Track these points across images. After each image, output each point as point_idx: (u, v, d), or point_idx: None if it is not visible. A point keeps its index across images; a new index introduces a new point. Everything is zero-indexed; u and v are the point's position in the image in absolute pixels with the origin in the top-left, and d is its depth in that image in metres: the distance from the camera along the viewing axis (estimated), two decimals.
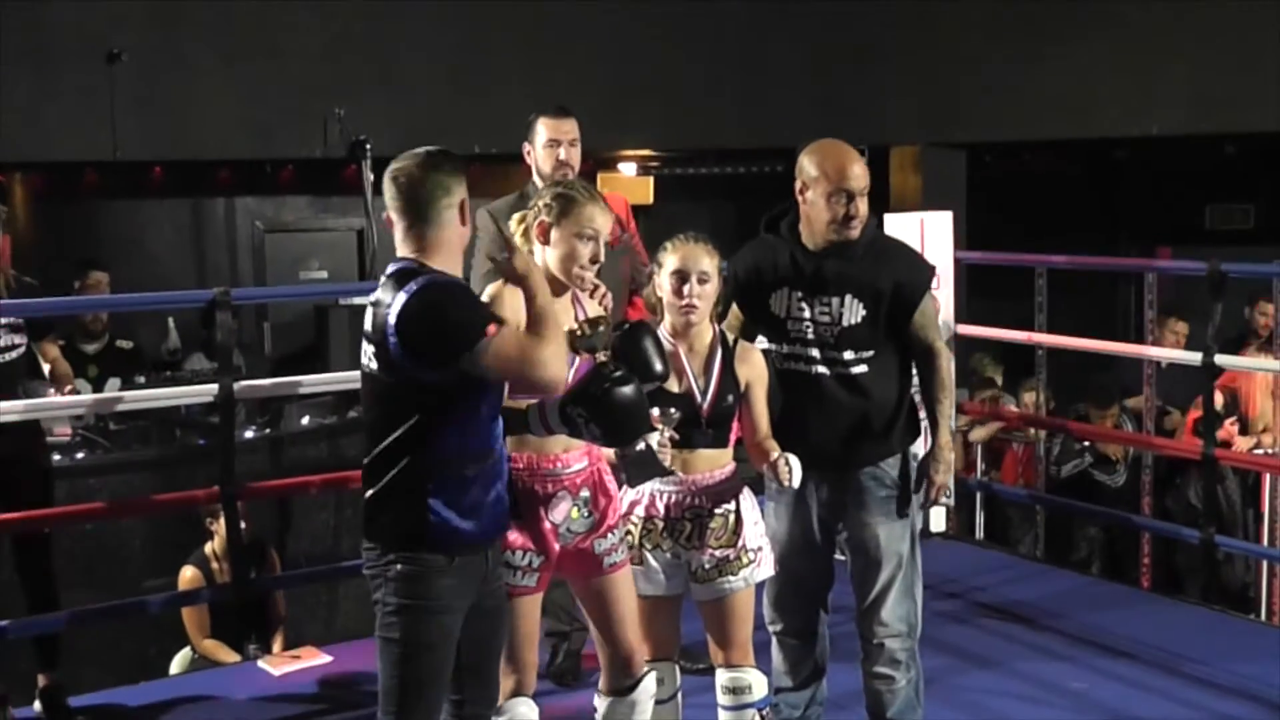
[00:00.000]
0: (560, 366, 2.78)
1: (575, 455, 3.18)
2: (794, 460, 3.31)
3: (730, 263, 3.59)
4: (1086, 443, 7.13)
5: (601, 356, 2.96)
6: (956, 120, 8.82)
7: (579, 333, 2.99)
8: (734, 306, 3.63)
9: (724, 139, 9.44)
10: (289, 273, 9.91)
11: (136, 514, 5.70)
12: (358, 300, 7.98)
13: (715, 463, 3.42)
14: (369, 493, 2.85)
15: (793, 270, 3.51)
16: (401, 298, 2.73)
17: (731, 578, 3.41)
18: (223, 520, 5.17)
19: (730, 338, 3.49)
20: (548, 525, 3.18)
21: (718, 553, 3.40)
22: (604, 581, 3.27)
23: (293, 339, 9.01)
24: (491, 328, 2.70)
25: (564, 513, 3.17)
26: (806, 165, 3.46)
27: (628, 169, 10.57)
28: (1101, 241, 10.13)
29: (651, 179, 10.76)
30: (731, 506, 3.43)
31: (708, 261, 3.39)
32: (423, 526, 2.80)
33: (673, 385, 3.37)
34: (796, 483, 3.31)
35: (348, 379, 5.27)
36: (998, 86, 8.81)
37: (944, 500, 3.79)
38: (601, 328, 2.96)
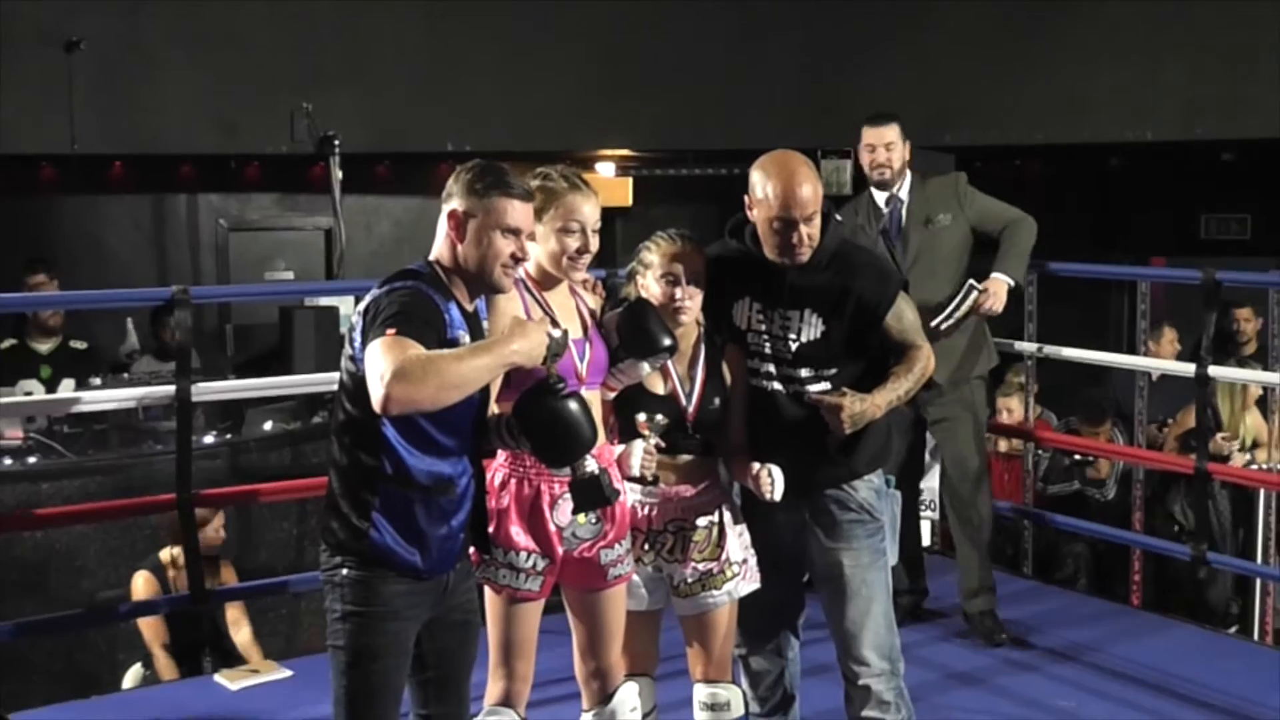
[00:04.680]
0: (407, 391, 2.56)
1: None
2: (776, 472, 3.29)
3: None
4: (1077, 456, 7.16)
5: (552, 367, 2.88)
6: (946, 124, 8.86)
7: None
8: None
9: (707, 139, 9.46)
10: (253, 273, 9.88)
11: (88, 521, 5.67)
12: (324, 301, 7.99)
13: (699, 471, 3.42)
14: (326, 493, 2.88)
15: (753, 280, 3.45)
16: (377, 291, 2.78)
17: (715, 592, 3.41)
18: (209, 525, 5.17)
19: (717, 338, 3.48)
20: (553, 528, 3.16)
21: (700, 566, 3.40)
22: (603, 595, 3.27)
23: (256, 341, 8.98)
24: (392, 330, 2.63)
25: (570, 516, 3.16)
26: (754, 181, 3.36)
27: (605, 170, 10.57)
28: (1094, 251, 10.17)
29: (630, 180, 10.76)
30: (714, 518, 3.43)
31: (699, 262, 3.38)
32: (364, 540, 2.80)
33: (657, 387, 3.38)
34: (778, 496, 3.29)
35: (312, 382, 5.26)
36: (989, 90, 8.86)
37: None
38: (555, 335, 2.88)
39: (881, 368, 3.48)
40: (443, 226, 2.88)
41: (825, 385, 3.41)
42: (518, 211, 2.87)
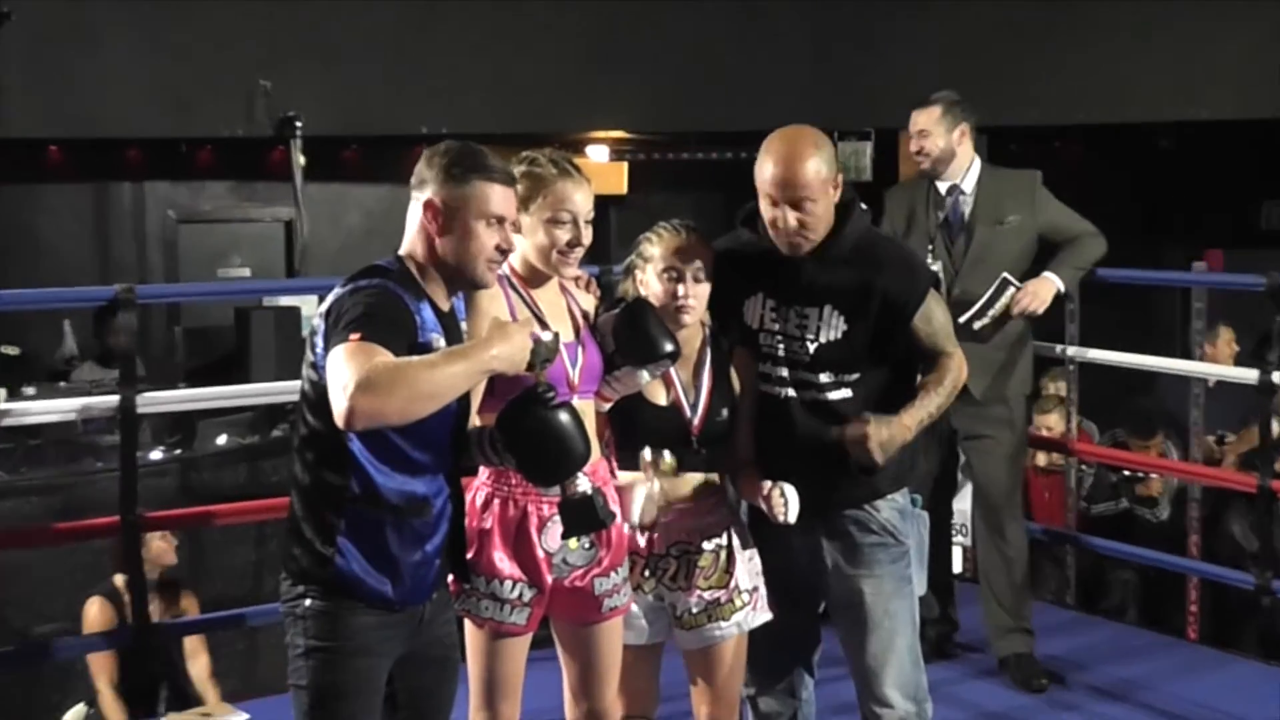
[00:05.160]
0: (373, 404, 2.54)
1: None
2: (790, 491, 3.27)
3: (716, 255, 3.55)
4: (1125, 472, 7.15)
5: (541, 375, 2.85)
6: (977, 102, 8.80)
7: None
8: None
9: (711, 120, 9.44)
10: (206, 269, 9.88)
11: (22, 546, 5.65)
12: (284, 301, 8.00)
13: (705, 489, 3.41)
14: (288, 515, 2.86)
15: (766, 274, 3.45)
16: (342, 289, 2.78)
17: (722, 623, 3.40)
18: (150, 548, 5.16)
19: (724, 340, 3.47)
20: (541, 554, 3.14)
21: (707, 594, 3.39)
22: (597, 629, 3.25)
23: (209, 346, 8.98)
24: (355, 335, 2.61)
25: (560, 540, 3.13)
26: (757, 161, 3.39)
27: (597, 154, 10.58)
28: (1142, 243, 10.17)
29: (625, 165, 10.78)
30: (722, 540, 3.42)
31: (705, 256, 3.37)
32: (329, 568, 2.79)
33: (658, 397, 3.37)
34: (792, 517, 3.27)
35: (271, 392, 5.26)
36: (1023, 64, 8.84)
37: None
38: (545, 340, 2.86)
39: (908, 373, 3.48)
40: (415, 218, 2.87)
41: (846, 393, 3.40)
42: (501, 197, 2.86)
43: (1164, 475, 7.11)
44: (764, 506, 3.30)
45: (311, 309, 8.02)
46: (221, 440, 6.53)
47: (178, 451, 6.44)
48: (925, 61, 8.58)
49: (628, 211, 10.49)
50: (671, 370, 3.35)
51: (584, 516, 2.95)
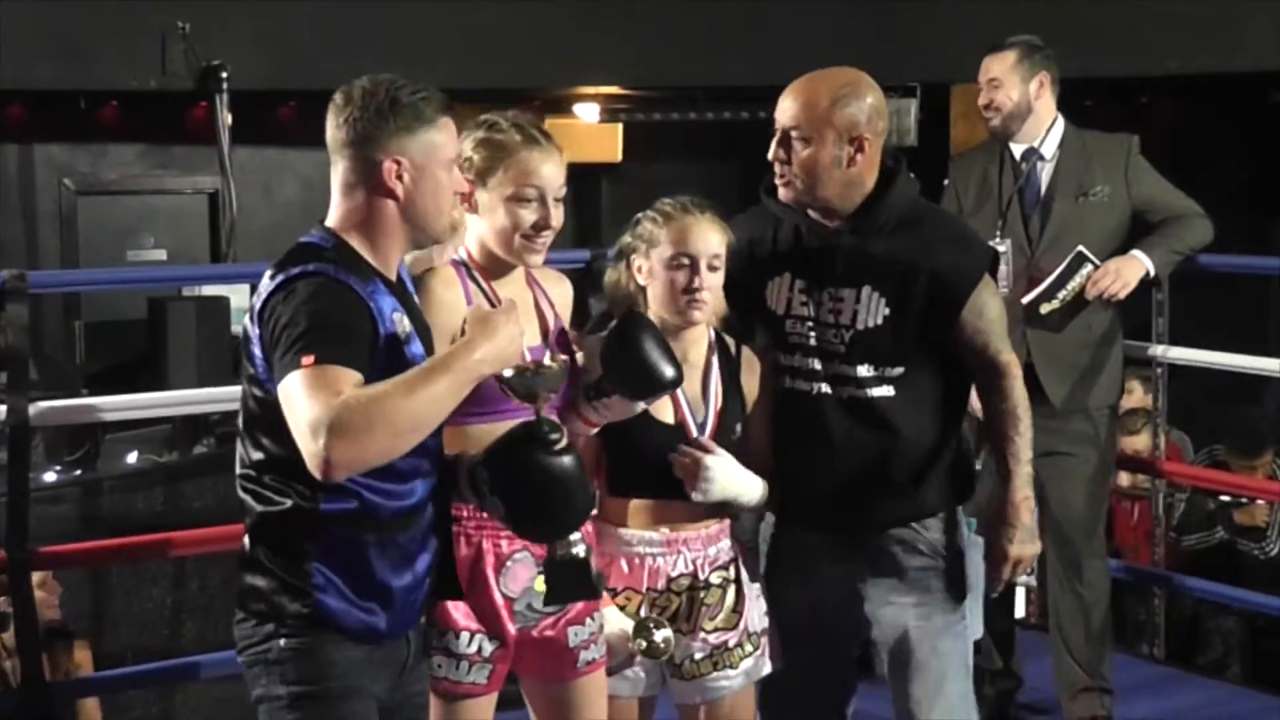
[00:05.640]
0: (351, 451, 2.58)
1: None
2: (718, 464, 3.33)
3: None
4: (1225, 498, 7.16)
5: (543, 408, 2.88)
6: (1044, 49, 8.86)
7: (525, 371, 2.87)
8: None
9: (721, 73, 9.48)
10: (112, 252, 9.89)
11: None
12: (208, 290, 8.02)
13: (714, 513, 3.46)
14: (242, 543, 2.87)
15: (794, 250, 3.51)
16: (277, 282, 2.77)
17: (730, 671, 3.45)
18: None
19: (731, 343, 3.52)
20: (500, 599, 3.17)
21: (712, 637, 3.44)
22: (572, 687, 3.28)
23: (116, 345, 8.99)
24: (308, 358, 2.61)
25: (524, 582, 3.17)
26: None
27: (587, 113, 10.60)
28: (1249, 219, 10.19)
29: (620, 127, 10.79)
30: (730, 573, 3.48)
31: (719, 240, 3.42)
32: (306, 600, 2.80)
33: (662, 414, 3.42)
34: (712, 496, 3.33)
35: (193, 400, 5.28)
36: (1103, 4, 8.86)
37: (1022, 580, 3.74)
38: (551, 366, 2.90)
39: (963, 369, 3.51)
40: (359, 180, 2.84)
41: (888, 390, 3.45)
42: (453, 133, 2.90)
43: (1274, 501, 7.13)
44: (680, 472, 3.35)
45: (242, 300, 8.02)
46: (132, 459, 6.55)
47: (78, 473, 6.46)
48: (981, 4, 8.59)
49: (623, 183, 10.51)
50: None
51: (575, 582, 2.97)
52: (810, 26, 8.91)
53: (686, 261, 3.38)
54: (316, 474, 2.60)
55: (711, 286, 3.40)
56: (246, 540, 2.86)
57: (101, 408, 5.12)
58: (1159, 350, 5.68)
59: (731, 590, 3.46)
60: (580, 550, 2.93)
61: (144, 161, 10.20)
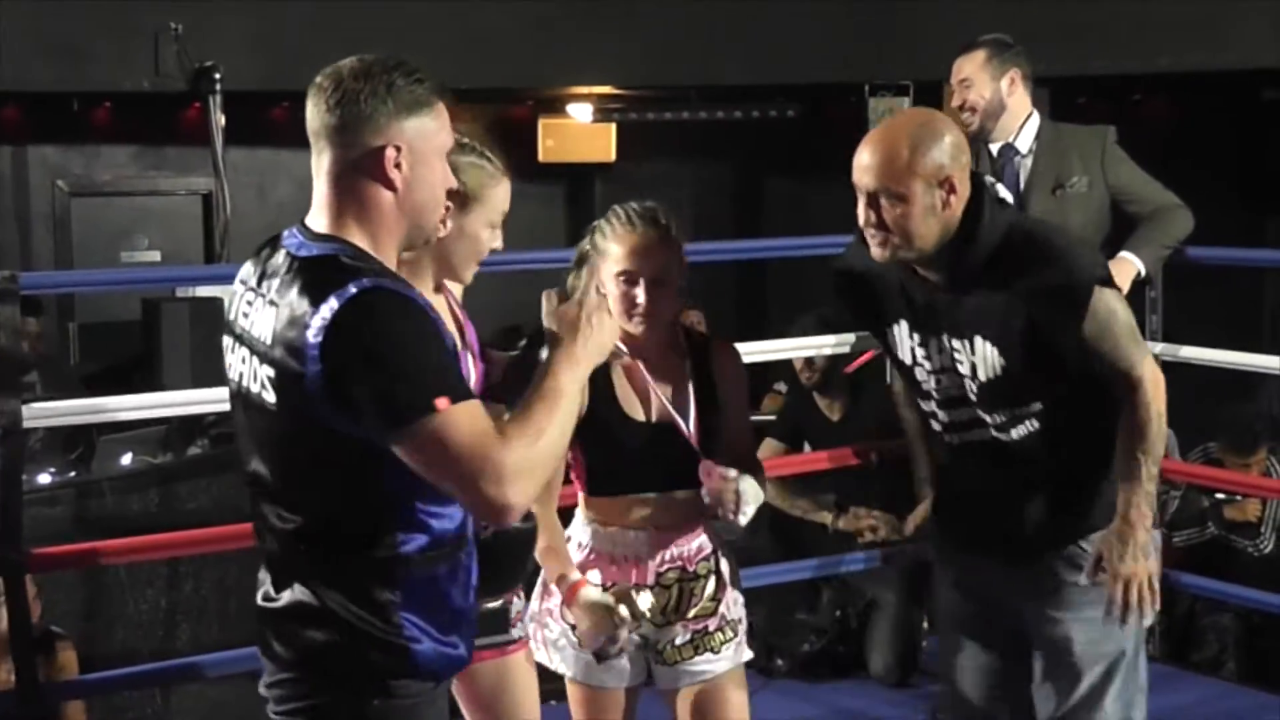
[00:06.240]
0: (530, 488, 2.53)
1: None
2: (748, 487, 3.37)
3: (835, 269, 3.58)
4: (1219, 495, 7.16)
5: None
6: (1038, 46, 8.83)
7: None
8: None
9: (713, 74, 9.48)
10: (106, 253, 9.89)
11: None
12: (202, 291, 8.00)
13: (696, 506, 3.50)
14: (283, 594, 2.68)
15: (900, 299, 3.43)
16: (331, 306, 2.51)
17: (711, 655, 3.52)
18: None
19: (697, 333, 3.62)
20: None
21: (694, 624, 3.52)
22: (500, 666, 3.35)
23: (110, 346, 8.99)
24: (442, 400, 2.47)
25: None
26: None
27: (580, 113, 10.60)
28: (1241, 216, 10.19)
29: (613, 126, 10.79)
30: (710, 563, 3.56)
31: (669, 253, 3.46)
32: (403, 655, 2.63)
33: (636, 412, 3.48)
34: (745, 518, 3.37)
35: (187, 401, 5.27)
36: (1096, 1, 8.86)
37: (1149, 615, 3.56)
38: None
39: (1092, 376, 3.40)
40: (350, 170, 2.61)
41: (1032, 426, 3.38)
42: (447, 120, 2.70)
43: (1267, 498, 7.13)
44: (713, 498, 3.39)
45: None
46: (126, 460, 6.53)
47: (72, 474, 6.45)
48: (975, 2, 8.59)
49: (615, 182, 10.50)
50: (649, 379, 3.47)
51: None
52: (802, 26, 8.92)
53: (629, 278, 3.44)
54: (487, 518, 2.61)
55: (659, 299, 3.44)
56: (306, 593, 2.64)
57: (95, 409, 5.11)
58: (1154, 348, 5.68)
59: (712, 579, 3.54)
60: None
61: (137, 163, 10.20)
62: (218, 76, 7.60)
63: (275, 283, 2.61)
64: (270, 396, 2.60)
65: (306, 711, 2.67)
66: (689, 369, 3.53)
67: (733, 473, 3.38)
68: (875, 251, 3.30)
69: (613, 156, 10.76)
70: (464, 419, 2.47)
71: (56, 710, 5.54)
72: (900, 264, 3.34)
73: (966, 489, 3.51)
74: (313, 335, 2.49)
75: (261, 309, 2.63)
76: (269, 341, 2.59)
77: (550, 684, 3.61)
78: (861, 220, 3.30)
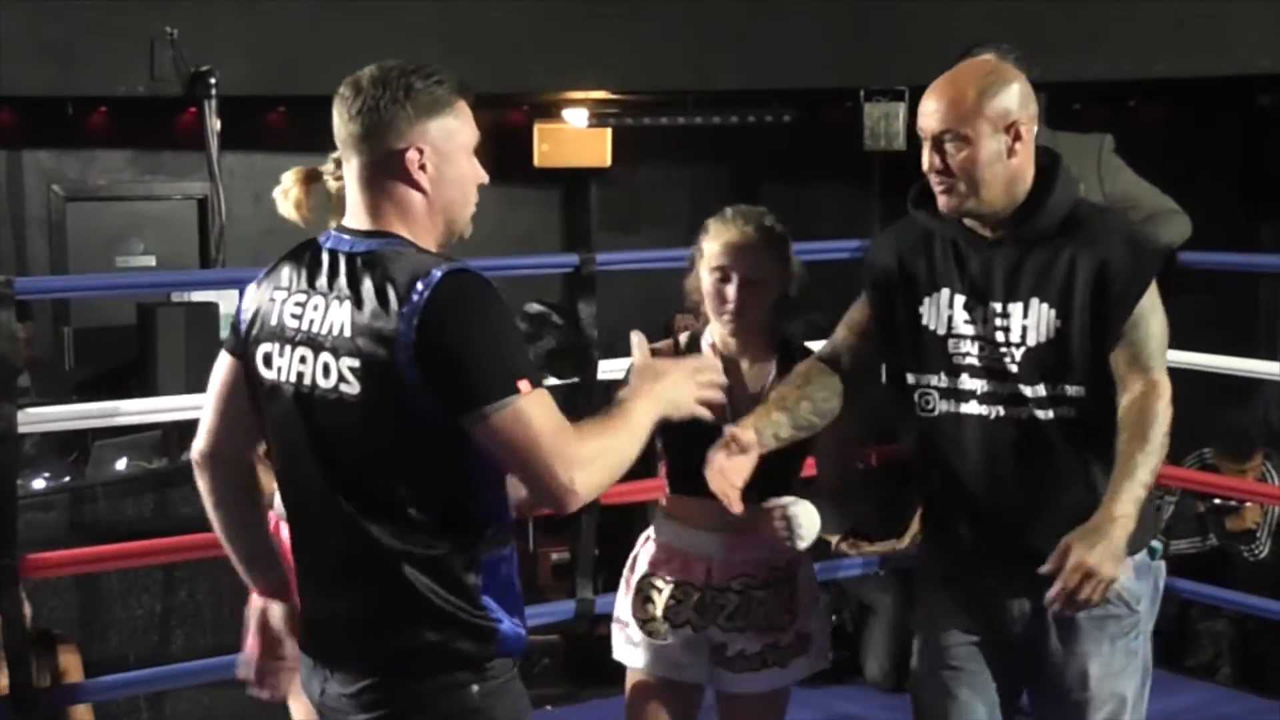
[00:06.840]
0: (595, 482, 2.63)
1: None
2: (800, 511, 3.33)
3: (865, 255, 3.54)
4: (1215, 500, 7.16)
5: None
6: (1033, 51, 8.84)
7: None
8: (853, 318, 3.47)
9: (709, 79, 9.48)
10: (101, 257, 9.87)
11: None
12: (197, 296, 8.00)
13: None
14: (359, 597, 2.73)
15: (951, 264, 3.32)
16: (419, 291, 2.60)
17: (779, 669, 3.57)
18: None
19: (797, 345, 3.61)
20: None
21: (766, 635, 3.55)
22: None
23: (105, 351, 8.97)
24: (524, 384, 2.57)
25: None
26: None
27: (575, 118, 10.60)
28: (1238, 221, 10.19)
29: (608, 132, 10.78)
30: (784, 575, 3.59)
31: (765, 251, 3.51)
32: (493, 639, 2.71)
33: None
34: (804, 544, 3.35)
35: (181, 406, 5.26)
36: (1092, 4, 8.86)
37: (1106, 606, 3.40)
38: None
39: None
40: (379, 175, 2.70)
41: (1068, 411, 3.25)
42: (469, 117, 2.79)
43: (1263, 504, 7.13)
44: (771, 533, 3.37)
45: (231, 305, 7.96)
46: (121, 465, 6.53)
47: (67, 479, 6.44)
48: (971, 8, 8.60)
49: (611, 187, 10.49)
50: (731, 387, 3.36)
51: None
52: (798, 31, 8.92)
53: (722, 274, 3.50)
54: (551, 504, 2.63)
55: (750, 298, 3.49)
56: (392, 588, 2.69)
57: (90, 414, 5.11)
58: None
59: (785, 591, 3.57)
60: None
61: (133, 167, 10.18)
62: (213, 81, 7.60)
63: (340, 280, 2.68)
64: (352, 388, 2.66)
65: (405, 711, 2.72)
66: (775, 378, 3.53)
67: (786, 500, 3.35)
68: (942, 201, 3.24)
69: (608, 161, 10.73)
70: (543, 404, 2.59)
71: (62, 714, 5.54)
72: (958, 221, 3.28)
73: (982, 479, 3.30)
74: (403, 321, 2.58)
75: (326, 307, 2.69)
76: (348, 334, 2.65)
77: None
78: (926, 165, 3.25)
